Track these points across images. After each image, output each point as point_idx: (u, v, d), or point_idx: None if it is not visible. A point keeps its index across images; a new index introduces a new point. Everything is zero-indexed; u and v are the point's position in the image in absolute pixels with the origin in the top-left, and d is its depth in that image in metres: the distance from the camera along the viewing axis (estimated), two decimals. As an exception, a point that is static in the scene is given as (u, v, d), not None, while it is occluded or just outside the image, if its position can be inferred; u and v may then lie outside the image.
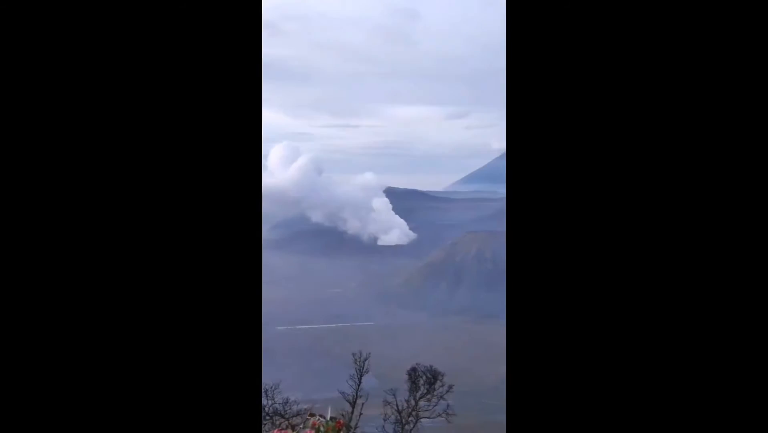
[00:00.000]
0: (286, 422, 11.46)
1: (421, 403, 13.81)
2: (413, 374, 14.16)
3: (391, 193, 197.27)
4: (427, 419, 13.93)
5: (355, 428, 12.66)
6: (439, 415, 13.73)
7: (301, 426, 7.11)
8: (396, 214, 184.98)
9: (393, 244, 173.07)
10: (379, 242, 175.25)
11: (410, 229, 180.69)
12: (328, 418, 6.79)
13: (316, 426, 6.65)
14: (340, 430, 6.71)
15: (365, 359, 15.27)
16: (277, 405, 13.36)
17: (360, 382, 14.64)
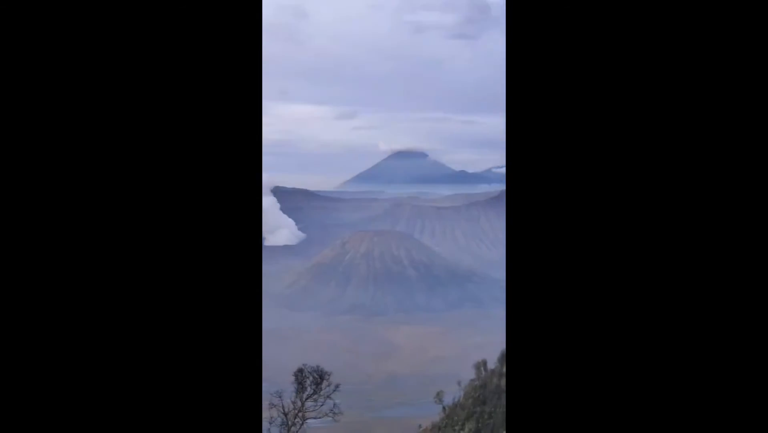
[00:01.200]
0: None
1: (308, 403, 13.76)
2: (300, 375, 14.08)
3: (279, 193, 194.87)
4: (314, 419, 13.91)
5: None
6: (326, 414, 13.76)
7: None
8: (284, 213, 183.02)
9: (281, 244, 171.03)
10: (266, 243, 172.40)
11: (299, 229, 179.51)
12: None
13: None
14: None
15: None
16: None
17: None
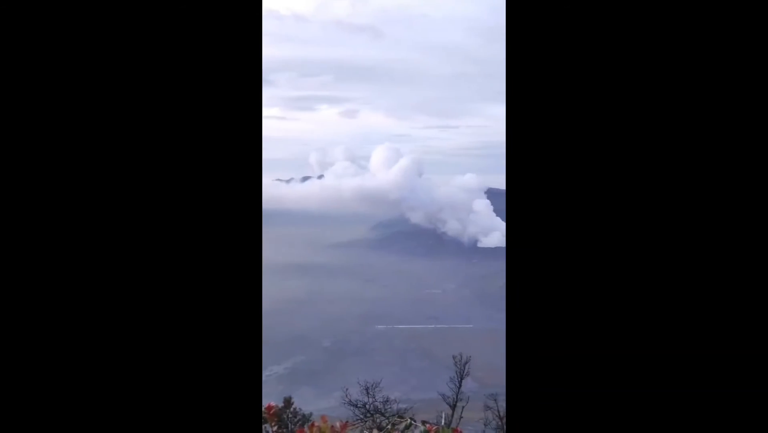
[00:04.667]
0: (387, 421, 11.58)
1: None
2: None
3: (492, 194, 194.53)
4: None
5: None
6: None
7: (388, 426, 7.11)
8: (497, 216, 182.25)
9: (493, 246, 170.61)
10: (480, 244, 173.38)
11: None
12: (420, 422, 6.72)
13: (431, 431, 6.64)
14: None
15: (466, 362, 15.13)
16: (377, 403, 13.54)
17: (460, 385, 14.50)
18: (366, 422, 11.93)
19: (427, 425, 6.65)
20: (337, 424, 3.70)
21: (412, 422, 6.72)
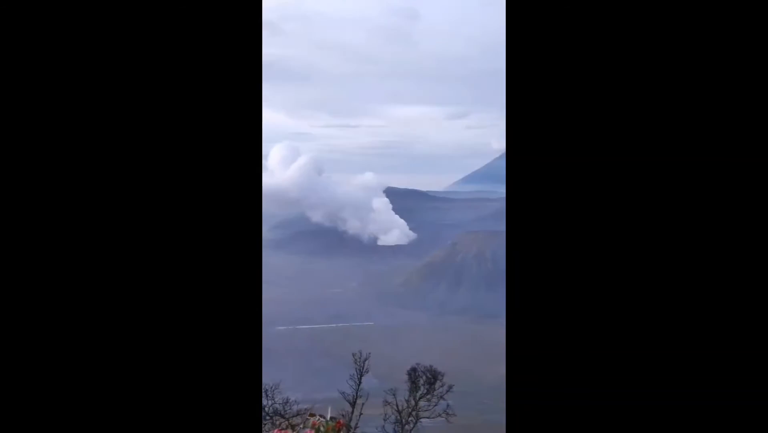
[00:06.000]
0: (286, 422, 11.46)
1: (421, 403, 13.81)
2: (413, 374, 14.17)
3: (392, 193, 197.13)
4: (427, 419, 13.94)
5: (356, 428, 12.66)
6: (439, 415, 13.73)
7: (301, 426, 7.11)
8: (396, 214, 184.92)
9: (393, 244, 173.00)
10: (379, 242, 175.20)
11: (410, 229, 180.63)
12: (328, 418, 6.79)
13: (316, 426, 6.65)
14: (340, 430, 6.70)
15: (365, 360, 15.25)
16: (277, 405, 13.35)
17: (360, 382, 14.62)
18: (265, 424, 11.72)
19: (338, 420, 6.66)
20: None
21: (320, 417, 6.72)
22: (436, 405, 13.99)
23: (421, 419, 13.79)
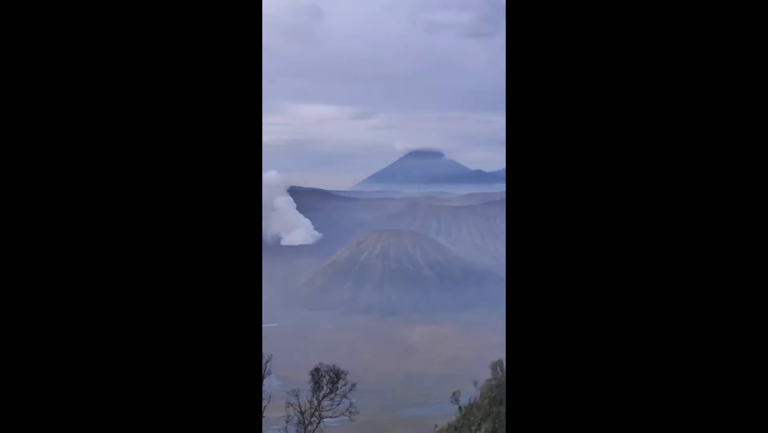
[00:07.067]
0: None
1: (325, 402, 13.76)
2: (316, 374, 14.09)
3: (295, 192, 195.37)
4: (331, 418, 13.91)
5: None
6: (342, 413, 13.75)
7: None
8: (300, 213, 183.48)
9: (297, 243, 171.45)
10: (283, 242, 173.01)
11: (315, 228, 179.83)
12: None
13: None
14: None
15: (267, 361, 14.98)
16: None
17: (261, 384, 14.33)
18: None
19: None
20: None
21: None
22: (338, 404, 13.99)
23: (324, 419, 13.75)
